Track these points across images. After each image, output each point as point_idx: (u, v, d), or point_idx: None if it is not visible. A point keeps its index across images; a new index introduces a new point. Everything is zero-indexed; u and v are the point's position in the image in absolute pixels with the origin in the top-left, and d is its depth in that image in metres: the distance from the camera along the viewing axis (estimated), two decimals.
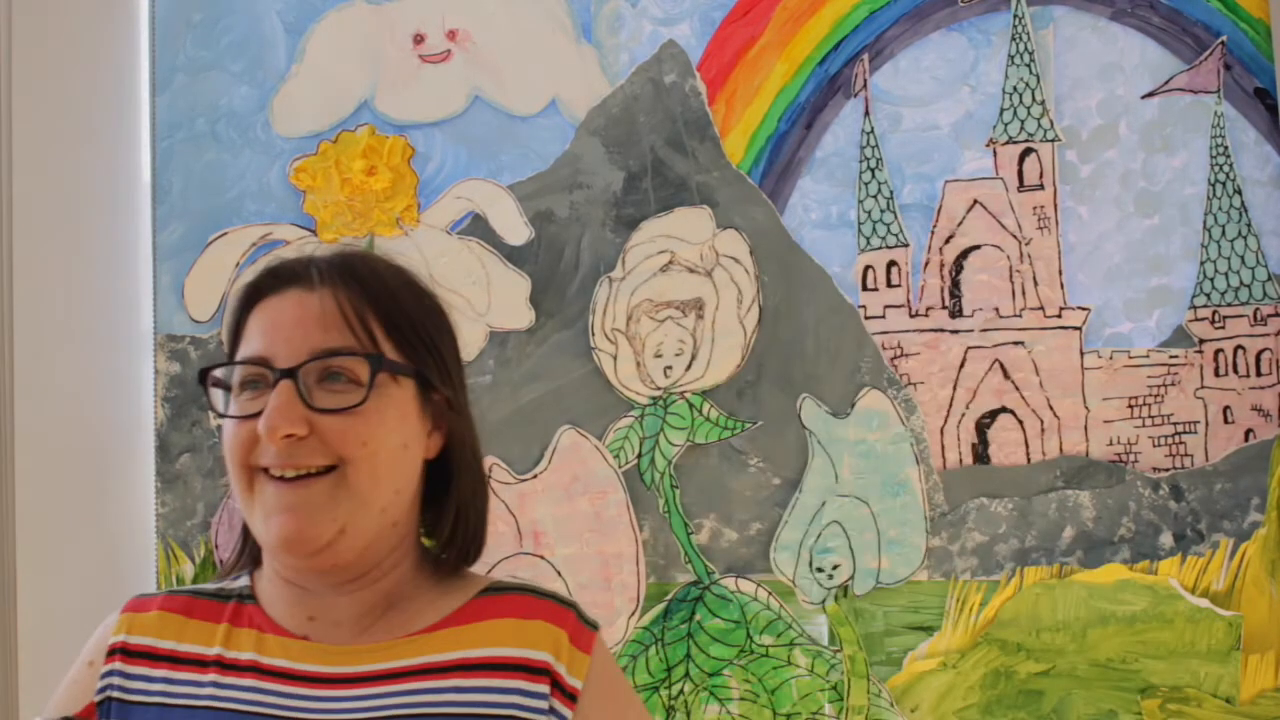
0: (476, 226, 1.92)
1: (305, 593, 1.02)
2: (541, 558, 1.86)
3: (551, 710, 0.98)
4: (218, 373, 1.01)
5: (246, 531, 1.07)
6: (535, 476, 1.87)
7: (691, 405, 1.86)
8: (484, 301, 1.90)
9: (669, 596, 1.85)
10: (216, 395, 1.02)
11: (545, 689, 0.98)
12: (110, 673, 1.03)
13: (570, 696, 0.99)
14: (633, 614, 1.84)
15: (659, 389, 1.87)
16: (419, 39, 1.96)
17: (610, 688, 1.03)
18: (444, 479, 1.06)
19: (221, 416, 1.00)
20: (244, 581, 1.07)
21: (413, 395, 1.02)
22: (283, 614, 1.03)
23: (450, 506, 1.06)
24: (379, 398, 0.99)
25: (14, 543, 1.89)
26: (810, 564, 1.83)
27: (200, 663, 1.02)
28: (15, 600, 1.88)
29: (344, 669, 0.99)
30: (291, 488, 0.97)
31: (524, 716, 0.97)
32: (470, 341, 1.90)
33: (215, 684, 1.00)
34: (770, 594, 1.83)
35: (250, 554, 1.08)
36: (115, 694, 1.02)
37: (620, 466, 1.86)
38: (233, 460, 0.99)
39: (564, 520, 1.86)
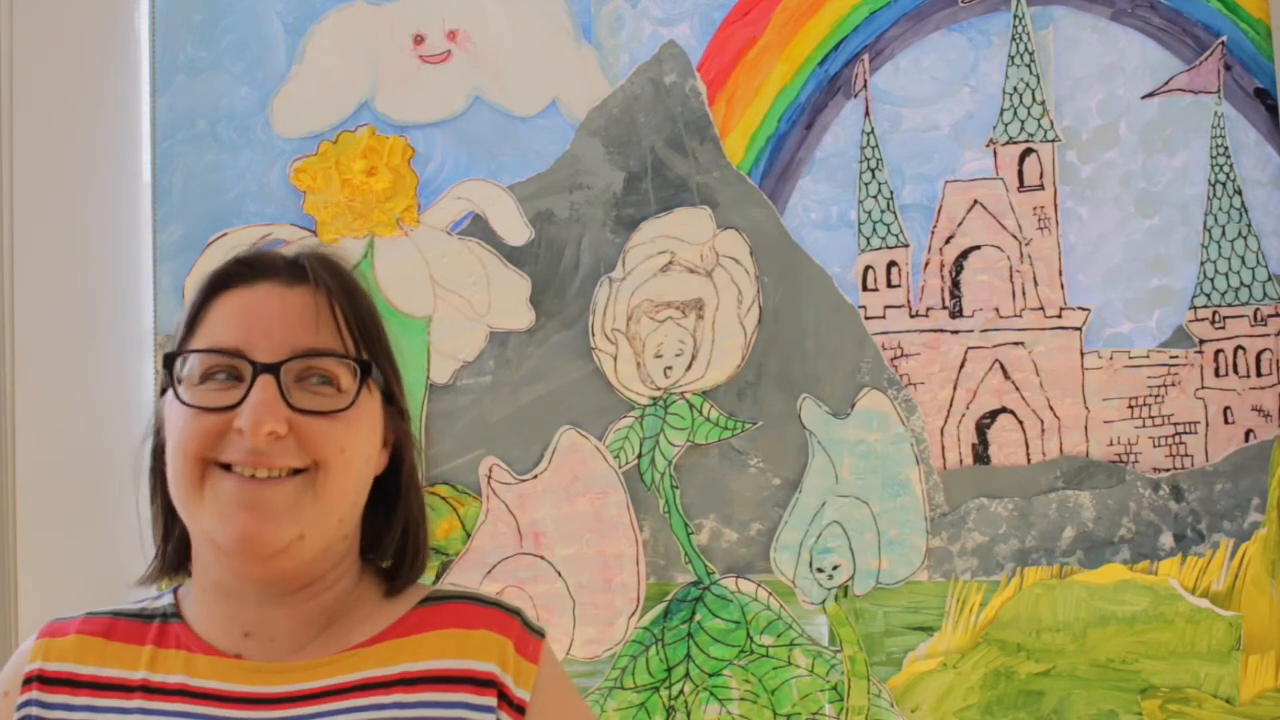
0: (476, 227, 1.92)
1: (241, 606, 0.98)
2: (541, 558, 1.86)
3: None
4: (177, 361, 0.96)
5: (165, 540, 1.03)
6: (535, 477, 1.87)
7: (692, 405, 1.86)
8: (484, 302, 1.90)
9: (669, 597, 1.85)
10: (178, 378, 0.96)
11: (492, 701, 0.95)
12: (27, 703, 0.98)
13: (518, 709, 0.96)
14: (633, 614, 1.84)
15: (659, 389, 1.87)
16: (419, 39, 1.96)
17: (558, 699, 1.00)
18: (386, 496, 1.03)
19: (186, 405, 0.94)
20: (168, 599, 1.03)
21: (379, 406, 1.00)
22: (214, 631, 0.98)
23: (398, 524, 1.03)
24: (357, 405, 0.96)
25: (14, 543, 1.90)
26: (810, 564, 1.83)
27: (125, 688, 0.97)
28: (15, 600, 1.88)
29: (279, 688, 0.95)
30: (256, 486, 0.93)
31: None
32: (470, 342, 1.90)
33: (141, 710, 0.95)
34: (770, 594, 1.83)
35: (170, 565, 1.03)
36: None
37: (620, 467, 1.86)
38: (186, 453, 0.94)
39: (564, 520, 1.86)
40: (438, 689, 0.95)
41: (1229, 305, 1.82)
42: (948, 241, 1.87)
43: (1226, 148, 1.83)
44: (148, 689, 0.96)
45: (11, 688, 1.00)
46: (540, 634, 1.01)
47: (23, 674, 0.99)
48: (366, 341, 0.99)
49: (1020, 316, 1.85)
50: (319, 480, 0.94)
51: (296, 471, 0.94)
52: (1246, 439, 1.81)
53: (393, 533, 1.03)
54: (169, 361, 0.97)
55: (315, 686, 0.95)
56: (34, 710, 0.98)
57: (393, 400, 1.01)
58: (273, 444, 0.93)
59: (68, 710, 0.97)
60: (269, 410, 0.92)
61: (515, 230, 1.91)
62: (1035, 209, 1.86)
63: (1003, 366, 1.84)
